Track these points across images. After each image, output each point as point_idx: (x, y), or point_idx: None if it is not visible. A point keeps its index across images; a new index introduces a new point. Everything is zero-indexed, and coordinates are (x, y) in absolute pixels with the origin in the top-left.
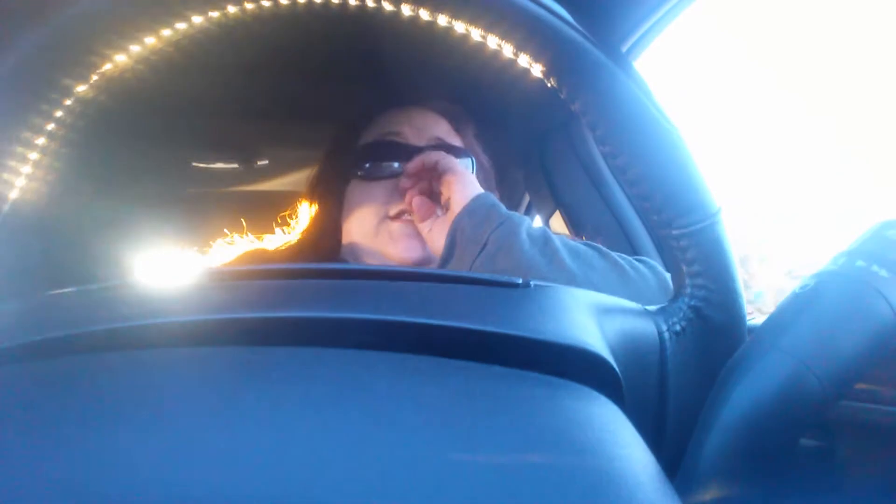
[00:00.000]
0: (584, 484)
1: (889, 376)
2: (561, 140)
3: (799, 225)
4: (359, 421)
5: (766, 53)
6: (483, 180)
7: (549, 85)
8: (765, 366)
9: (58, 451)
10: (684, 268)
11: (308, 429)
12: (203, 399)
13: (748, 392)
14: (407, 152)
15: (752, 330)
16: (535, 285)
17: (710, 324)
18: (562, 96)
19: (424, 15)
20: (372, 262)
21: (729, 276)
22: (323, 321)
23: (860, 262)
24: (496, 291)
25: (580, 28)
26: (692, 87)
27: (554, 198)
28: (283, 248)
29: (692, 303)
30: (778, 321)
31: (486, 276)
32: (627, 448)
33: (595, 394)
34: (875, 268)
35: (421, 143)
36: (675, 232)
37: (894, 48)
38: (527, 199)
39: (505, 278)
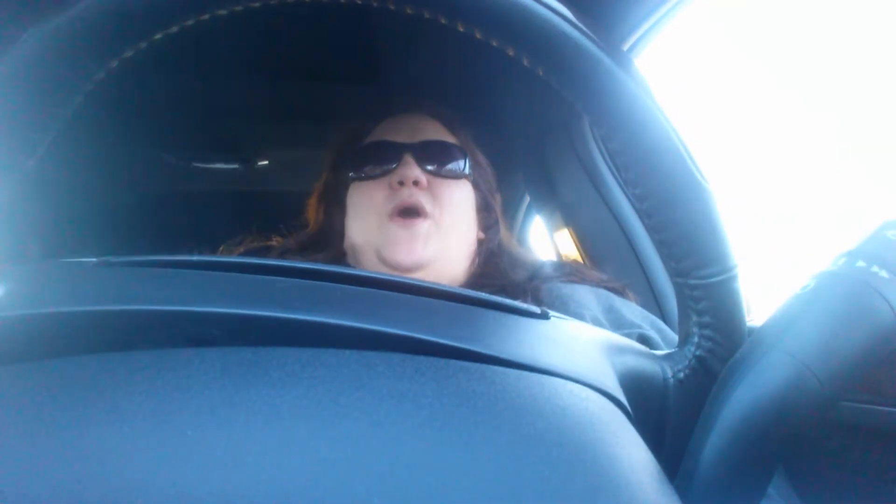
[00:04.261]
0: (585, 484)
1: (889, 376)
2: (561, 140)
3: (799, 225)
4: (359, 420)
5: (765, 50)
6: (480, 178)
7: (566, 95)
8: (765, 366)
9: (58, 451)
10: (695, 317)
11: (308, 428)
12: (203, 398)
13: (748, 392)
14: (398, 151)
15: (752, 330)
16: (553, 316)
17: (712, 375)
18: (578, 107)
19: (423, 14)
20: (370, 261)
21: (738, 331)
22: (351, 329)
23: (860, 263)
24: (516, 319)
25: (587, 30)
26: (690, 84)
27: (554, 198)
28: (287, 245)
29: (698, 353)
30: (778, 321)
31: (508, 302)
32: (628, 448)
33: (596, 395)
34: (875, 268)
35: (412, 141)
36: (691, 282)
37: (895, 46)
38: (527, 199)
39: (524, 306)
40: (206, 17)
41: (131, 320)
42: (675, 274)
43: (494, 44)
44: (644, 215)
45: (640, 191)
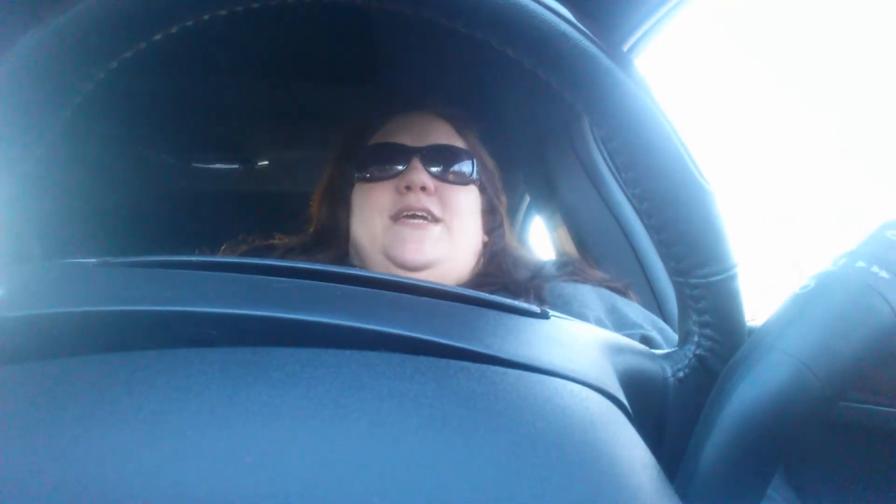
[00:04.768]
0: (585, 484)
1: (889, 376)
2: (561, 140)
3: (799, 225)
4: (359, 421)
5: (765, 50)
6: (487, 181)
7: (566, 96)
8: (765, 366)
9: (58, 451)
10: (695, 316)
11: (308, 428)
12: (203, 398)
13: (748, 392)
14: (406, 154)
15: (752, 330)
16: (553, 316)
17: (712, 374)
18: (578, 108)
19: (423, 15)
20: (376, 261)
21: (737, 329)
22: (353, 330)
23: (860, 263)
24: (516, 318)
25: (587, 31)
26: (690, 84)
27: (554, 198)
28: (290, 244)
29: (698, 352)
30: (778, 321)
31: (508, 301)
32: (628, 448)
33: (596, 395)
34: (875, 269)
35: (421, 145)
36: (692, 281)
37: (895, 46)
38: (527, 199)
39: (524, 305)
40: (205, 17)
41: (130, 321)
42: (676, 273)
43: (495, 45)
44: (644, 215)
45: (640, 191)
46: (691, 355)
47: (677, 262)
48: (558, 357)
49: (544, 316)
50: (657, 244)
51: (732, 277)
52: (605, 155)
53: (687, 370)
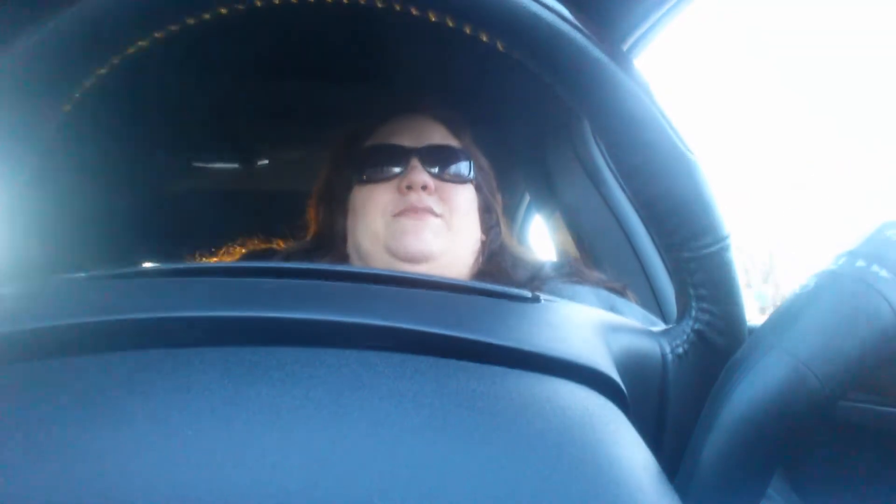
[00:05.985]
0: (585, 484)
1: (889, 376)
2: (561, 140)
3: (799, 226)
4: (359, 421)
5: (768, 51)
6: (483, 181)
7: (562, 92)
8: (765, 366)
9: (58, 451)
10: (691, 291)
11: (308, 428)
12: (203, 398)
13: (748, 392)
14: (405, 155)
15: (753, 330)
16: (545, 300)
17: (712, 348)
18: (570, 103)
19: (422, 14)
20: (379, 259)
21: (734, 301)
22: (337, 324)
23: (860, 263)
24: (507, 304)
25: (584, 28)
26: (692, 85)
27: (554, 198)
28: (291, 249)
29: (696, 326)
30: (778, 321)
31: (498, 288)
32: (628, 448)
33: (595, 395)
34: (875, 268)
35: (419, 145)
36: (685, 255)
37: (895, 47)
38: (527, 199)
39: (515, 291)
40: (192, 21)
41: (114, 330)
42: (670, 249)
43: (485, 39)
44: (634, 193)
45: (627, 168)
46: (689, 330)
47: (670, 236)
48: (549, 339)
49: (535, 300)
50: (650, 221)
51: (725, 248)
52: (605, 154)
53: (686, 346)
